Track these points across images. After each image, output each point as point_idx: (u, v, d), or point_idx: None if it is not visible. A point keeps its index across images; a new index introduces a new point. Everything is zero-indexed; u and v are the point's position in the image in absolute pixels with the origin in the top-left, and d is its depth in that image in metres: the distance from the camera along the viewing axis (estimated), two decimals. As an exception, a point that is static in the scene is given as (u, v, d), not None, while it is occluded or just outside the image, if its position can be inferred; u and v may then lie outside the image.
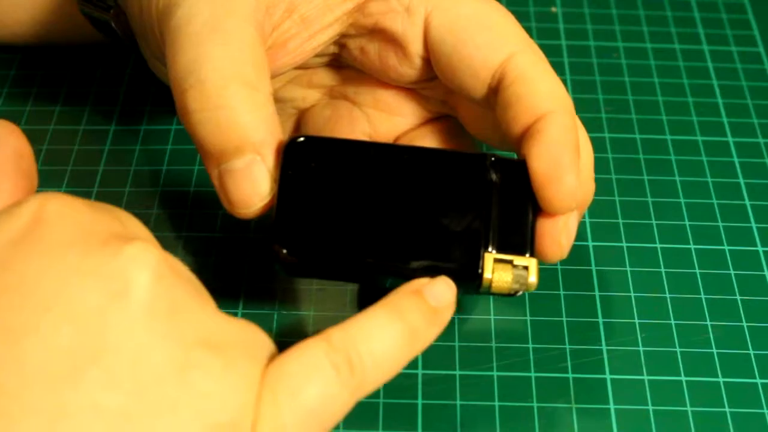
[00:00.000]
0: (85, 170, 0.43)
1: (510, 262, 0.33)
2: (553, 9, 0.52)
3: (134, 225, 0.31)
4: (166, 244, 0.40)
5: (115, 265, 0.28)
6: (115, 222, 0.30)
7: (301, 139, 0.34)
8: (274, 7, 0.35)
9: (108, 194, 0.42)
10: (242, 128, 0.33)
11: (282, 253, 0.33)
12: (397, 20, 0.37)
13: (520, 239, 0.34)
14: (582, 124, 0.37)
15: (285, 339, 0.37)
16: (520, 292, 0.34)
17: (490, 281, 0.33)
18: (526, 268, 0.33)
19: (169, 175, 0.43)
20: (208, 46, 0.33)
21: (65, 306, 0.27)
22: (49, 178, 0.43)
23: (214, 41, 0.33)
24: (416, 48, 0.37)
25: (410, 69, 0.38)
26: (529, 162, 0.34)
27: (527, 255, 0.33)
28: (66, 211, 0.29)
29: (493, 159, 0.35)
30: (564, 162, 0.34)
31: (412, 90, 0.40)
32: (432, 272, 0.33)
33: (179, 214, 0.41)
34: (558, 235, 0.34)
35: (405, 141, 0.40)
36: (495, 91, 0.36)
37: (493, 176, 0.34)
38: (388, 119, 0.40)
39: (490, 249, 0.33)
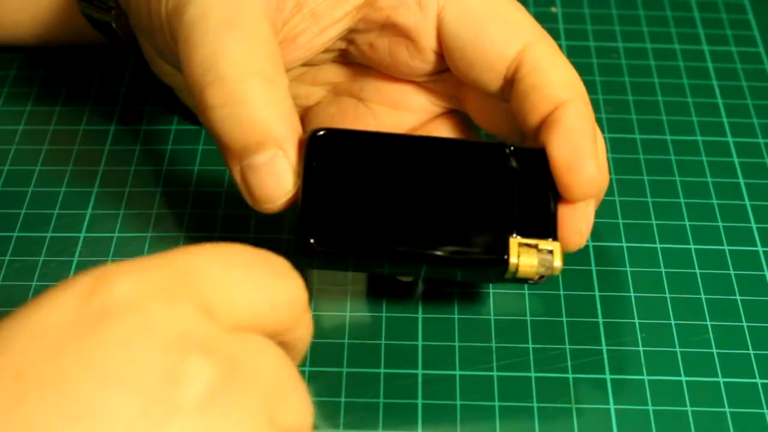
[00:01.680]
0: (85, 170, 0.43)
1: (535, 246, 0.34)
2: (553, 9, 0.52)
3: (226, 308, 0.26)
4: (166, 245, 0.40)
5: (164, 384, 0.24)
6: (194, 314, 0.25)
7: (322, 132, 0.34)
8: (284, 2, 0.35)
9: (108, 194, 0.42)
10: (264, 123, 0.33)
11: (312, 244, 0.33)
12: (410, 15, 0.37)
13: (543, 224, 0.34)
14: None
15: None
16: (545, 277, 0.34)
17: (517, 265, 0.33)
18: (551, 252, 0.34)
19: (169, 175, 0.43)
20: (225, 41, 0.33)
21: (93, 419, 0.23)
22: (49, 178, 0.43)
23: (231, 36, 0.33)
24: (429, 42, 0.37)
25: (422, 63, 0.38)
26: (548, 150, 0.34)
27: (551, 239, 0.34)
28: (134, 296, 0.25)
29: (512, 148, 0.35)
30: (583, 149, 0.34)
31: (418, 85, 0.40)
32: (459, 258, 0.33)
33: (179, 214, 0.41)
34: (578, 223, 0.35)
35: None
36: (510, 83, 0.36)
37: (514, 164, 0.35)
38: (393, 114, 0.40)
39: (514, 234, 0.34)
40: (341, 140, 0.34)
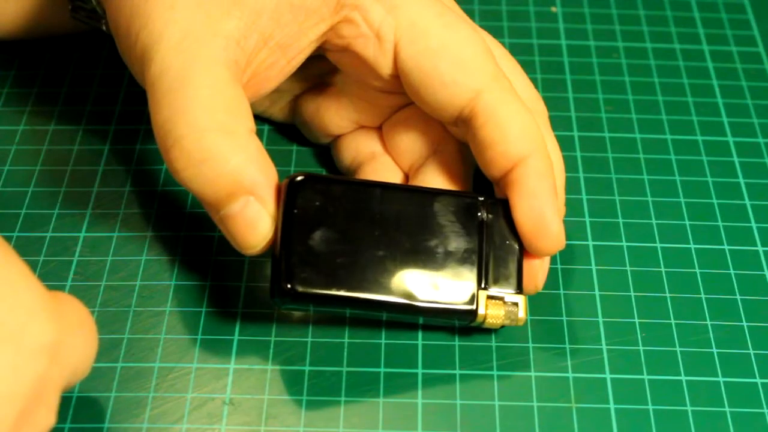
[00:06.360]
0: (85, 170, 0.43)
1: (501, 299, 0.35)
2: (553, 8, 0.52)
3: None
4: (166, 244, 0.40)
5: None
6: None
7: (301, 177, 0.35)
8: (245, 39, 0.36)
9: (108, 194, 0.42)
10: (229, 175, 0.34)
11: (286, 288, 0.34)
12: (369, 46, 0.38)
13: (509, 277, 0.36)
14: (555, 140, 0.38)
15: (284, 338, 0.37)
16: (505, 326, 0.36)
17: (484, 317, 0.35)
18: (516, 304, 0.35)
19: (168, 175, 0.43)
20: (180, 100, 0.34)
21: None
22: (49, 179, 0.43)
23: (185, 95, 0.34)
24: (388, 71, 0.38)
25: (383, 84, 0.39)
26: (514, 216, 0.36)
27: (516, 292, 0.36)
28: None
29: (482, 199, 0.36)
30: (547, 215, 0.35)
31: None
32: (432, 309, 0.35)
33: (179, 214, 0.41)
34: (536, 275, 0.36)
35: (393, 123, 0.41)
36: (464, 122, 0.37)
37: (485, 216, 0.36)
38: (372, 107, 0.41)
39: (483, 286, 0.35)
40: (319, 187, 0.35)
